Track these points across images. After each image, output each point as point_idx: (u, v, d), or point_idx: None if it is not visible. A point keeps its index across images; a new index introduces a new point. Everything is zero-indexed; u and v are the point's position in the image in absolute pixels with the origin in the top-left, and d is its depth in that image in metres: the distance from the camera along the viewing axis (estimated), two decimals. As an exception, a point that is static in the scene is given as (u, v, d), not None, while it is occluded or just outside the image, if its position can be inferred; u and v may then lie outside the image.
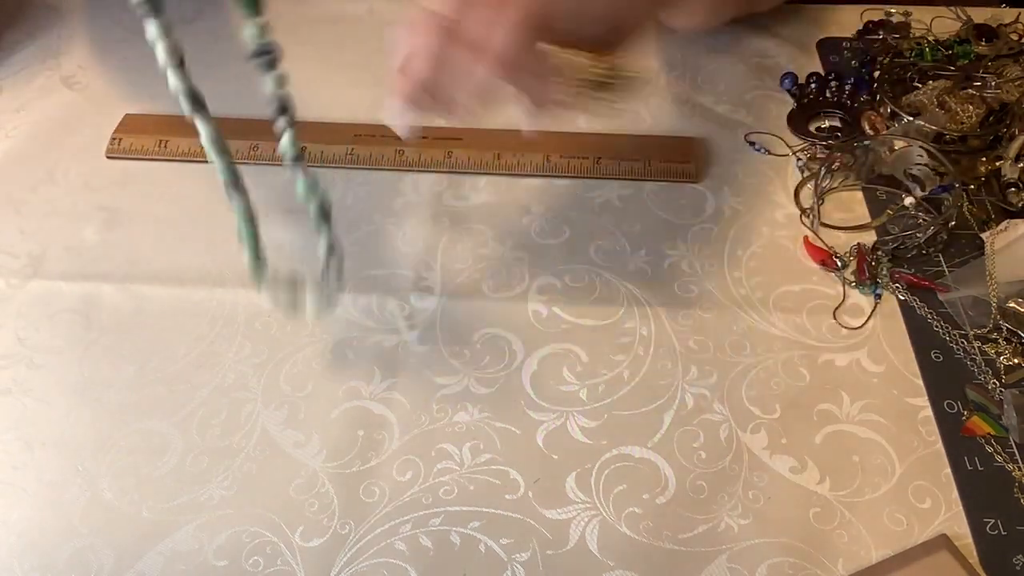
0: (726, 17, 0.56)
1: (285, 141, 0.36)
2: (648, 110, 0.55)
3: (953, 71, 0.54)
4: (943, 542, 0.36)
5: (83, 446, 0.41)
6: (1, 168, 0.54)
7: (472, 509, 0.39)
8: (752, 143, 0.53)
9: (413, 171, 0.51)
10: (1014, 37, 0.56)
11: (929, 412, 0.41)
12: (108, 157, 0.54)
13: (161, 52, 0.31)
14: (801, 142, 0.53)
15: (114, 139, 0.54)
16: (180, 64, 0.32)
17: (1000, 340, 0.43)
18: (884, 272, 0.46)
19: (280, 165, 0.53)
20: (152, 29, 0.31)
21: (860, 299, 0.45)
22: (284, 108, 0.35)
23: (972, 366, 0.42)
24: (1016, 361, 0.42)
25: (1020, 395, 0.40)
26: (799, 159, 0.52)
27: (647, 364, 0.43)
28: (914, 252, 0.46)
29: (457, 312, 0.45)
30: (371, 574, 0.36)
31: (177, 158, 0.53)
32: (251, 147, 0.53)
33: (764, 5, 0.58)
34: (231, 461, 0.40)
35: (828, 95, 0.55)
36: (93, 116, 0.56)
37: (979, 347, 0.43)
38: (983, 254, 0.45)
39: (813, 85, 0.56)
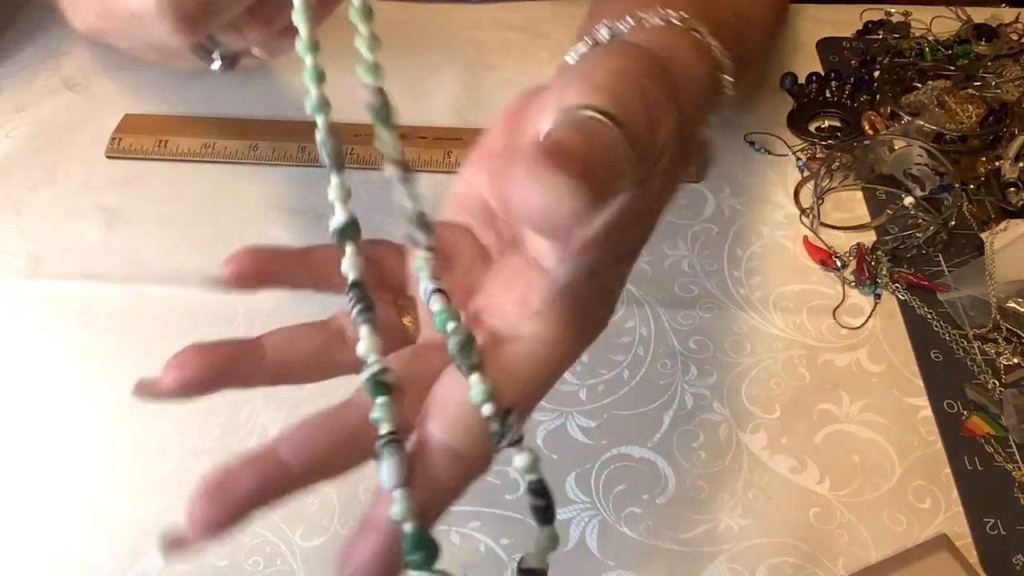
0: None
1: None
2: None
3: (953, 71, 0.54)
4: (943, 542, 0.36)
5: (83, 446, 0.41)
6: (1, 168, 0.53)
7: (472, 509, 0.38)
8: (752, 143, 0.53)
9: (413, 171, 0.51)
10: (1014, 37, 0.56)
11: (929, 412, 0.41)
12: (108, 157, 0.54)
13: None
14: (801, 142, 0.53)
15: (114, 139, 0.54)
16: None
17: (1000, 340, 0.43)
18: (884, 272, 0.46)
19: (279, 164, 0.53)
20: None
21: (860, 299, 0.45)
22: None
23: (972, 366, 0.42)
24: (1016, 361, 0.42)
25: (1020, 395, 0.40)
26: (799, 159, 0.52)
27: (647, 364, 0.43)
28: (914, 252, 0.46)
29: (457, 312, 0.45)
30: (371, 574, 0.36)
31: (177, 158, 0.53)
32: (251, 147, 0.53)
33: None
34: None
35: (828, 95, 0.55)
36: (93, 116, 0.56)
37: (979, 347, 0.43)
38: (983, 254, 0.45)
39: (813, 85, 0.56)
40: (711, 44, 0.33)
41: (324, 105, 0.25)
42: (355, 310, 0.25)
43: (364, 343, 0.25)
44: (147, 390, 0.26)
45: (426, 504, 0.23)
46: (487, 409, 0.24)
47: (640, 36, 0.30)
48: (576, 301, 0.26)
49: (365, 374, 0.24)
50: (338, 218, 0.25)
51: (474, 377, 0.24)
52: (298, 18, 0.25)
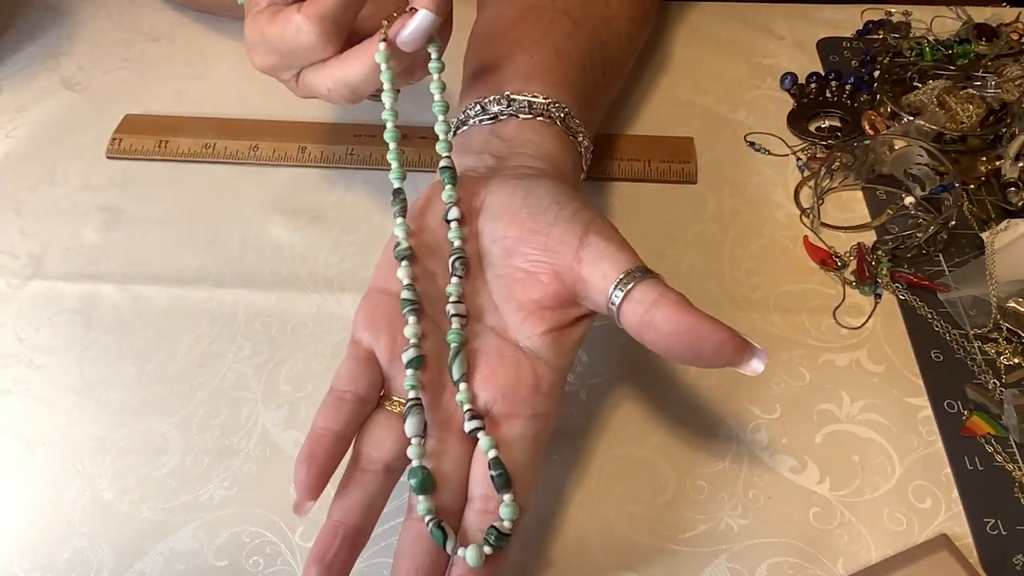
0: None
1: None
2: (648, 110, 0.55)
3: (953, 71, 0.54)
4: (943, 542, 0.36)
5: (83, 446, 0.41)
6: (1, 168, 0.54)
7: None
8: (752, 143, 0.53)
9: (414, 171, 0.51)
10: (1014, 37, 0.56)
11: (929, 412, 0.41)
12: (108, 157, 0.54)
13: None
14: (801, 142, 0.53)
15: (114, 139, 0.54)
16: None
17: (1000, 340, 0.43)
18: (884, 272, 0.46)
19: (279, 164, 0.53)
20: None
21: (860, 299, 0.45)
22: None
23: (972, 366, 0.42)
24: (1016, 361, 0.42)
25: (1020, 395, 0.40)
26: (799, 159, 0.52)
27: (647, 364, 0.43)
28: (914, 252, 0.46)
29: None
30: (371, 574, 0.36)
31: (177, 158, 0.53)
32: (251, 147, 0.53)
33: None
34: (231, 461, 0.40)
35: (828, 95, 0.55)
36: (93, 116, 0.56)
37: (979, 347, 0.43)
38: (983, 254, 0.44)
39: (813, 85, 0.56)
40: (579, 143, 0.42)
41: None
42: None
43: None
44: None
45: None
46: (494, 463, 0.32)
47: (521, 134, 0.40)
48: (565, 380, 0.36)
49: (406, 356, 0.33)
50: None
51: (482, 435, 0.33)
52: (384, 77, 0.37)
